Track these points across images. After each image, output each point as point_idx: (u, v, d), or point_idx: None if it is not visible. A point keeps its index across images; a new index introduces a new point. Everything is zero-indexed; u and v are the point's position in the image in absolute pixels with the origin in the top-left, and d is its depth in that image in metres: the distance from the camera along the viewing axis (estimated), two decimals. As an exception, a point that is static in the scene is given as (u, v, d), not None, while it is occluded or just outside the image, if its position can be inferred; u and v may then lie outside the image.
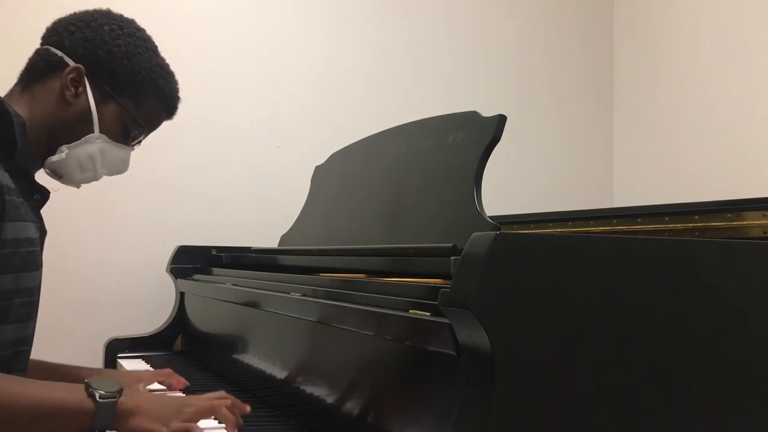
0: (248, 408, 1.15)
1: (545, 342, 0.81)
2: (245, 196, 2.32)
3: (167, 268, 2.06)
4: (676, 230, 1.40)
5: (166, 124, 2.21)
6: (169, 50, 1.26)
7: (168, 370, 1.46)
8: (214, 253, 2.09)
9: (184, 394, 1.36)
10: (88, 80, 1.20)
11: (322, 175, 1.94)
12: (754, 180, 2.29)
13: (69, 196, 2.11)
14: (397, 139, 1.58)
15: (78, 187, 1.30)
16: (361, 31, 2.51)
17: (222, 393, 1.13)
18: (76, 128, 1.21)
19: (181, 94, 1.35)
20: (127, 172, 2.16)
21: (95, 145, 1.22)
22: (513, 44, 2.75)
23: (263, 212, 2.30)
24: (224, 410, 1.08)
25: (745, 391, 0.95)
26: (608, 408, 0.84)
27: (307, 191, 1.96)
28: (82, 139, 1.21)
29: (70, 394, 1.02)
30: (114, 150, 1.25)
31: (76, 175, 1.25)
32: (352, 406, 1.06)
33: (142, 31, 1.28)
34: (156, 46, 1.30)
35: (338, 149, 1.89)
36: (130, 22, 1.27)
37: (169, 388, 1.42)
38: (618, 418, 0.85)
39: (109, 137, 1.23)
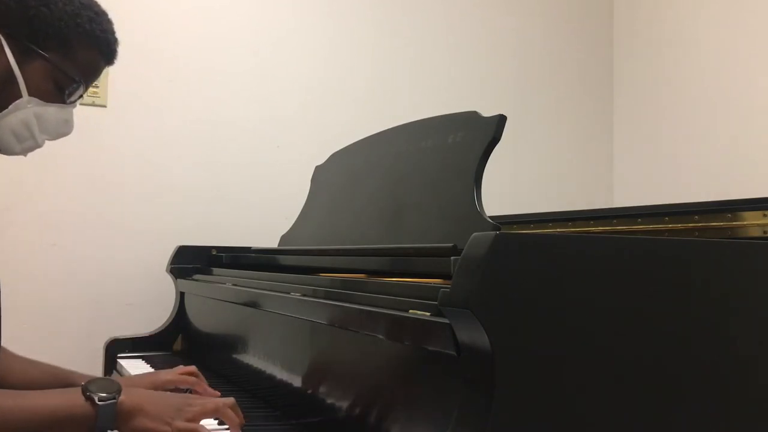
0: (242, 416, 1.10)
1: (545, 342, 0.81)
2: (245, 196, 2.32)
3: (167, 268, 2.06)
4: (676, 230, 1.40)
5: (167, 124, 2.23)
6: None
7: (192, 376, 1.32)
8: (214, 253, 2.08)
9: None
10: (3, 38, 1.04)
11: (322, 175, 1.94)
12: (754, 180, 2.29)
13: (69, 197, 2.12)
14: (397, 139, 1.58)
15: (25, 155, 1.15)
16: (360, 30, 2.51)
17: (231, 399, 1.09)
18: (0, 95, 1.06)
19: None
20: (127, 173, 2.18)
21: (27, 110, 1.07)
22: (513, 44, 2.75)
23: (263, 212, 2.30)
24: (229, 411, 1.06)
25: (745, 391, 0.95)
26: (608, 408, 0.84)
27: (307, 191, 1.96)
28: (11, 106, 1.06)
29: (69, 399, 0.99)
30: (51, 111, 1.10)
31: (14, 146, 1.11)
32: (352, 406, 1.06)
33: None
34: None
35: (338, 149, 1.89)
36: None
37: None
38: (618, 418, 0.85)
39: (41, 99, 1.08)
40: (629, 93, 2.82)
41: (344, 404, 1.08)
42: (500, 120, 1.27)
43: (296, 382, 1.26)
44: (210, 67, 2.30)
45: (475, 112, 1.36)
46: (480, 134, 1.29)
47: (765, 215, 1.28)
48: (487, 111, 1.33)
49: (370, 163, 1.65)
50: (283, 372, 1.32)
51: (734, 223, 1.31)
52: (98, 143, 2.14)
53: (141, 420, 0.99)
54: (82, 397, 0.98)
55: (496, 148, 1.27)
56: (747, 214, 1.30)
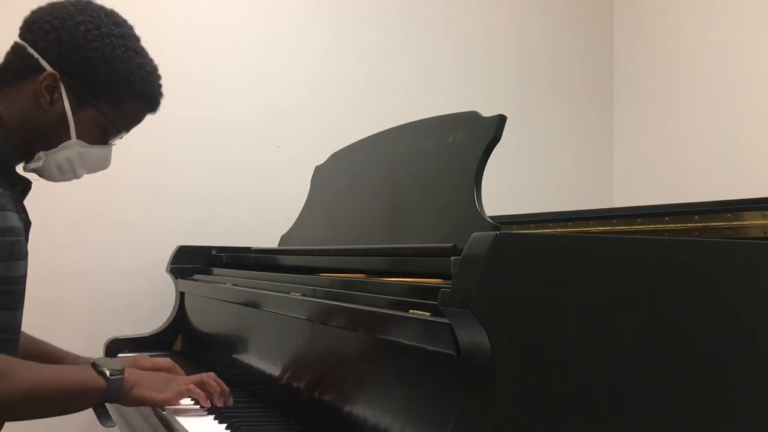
0: (230, 400, 1.27)
1: (545, 342, 0.81)
2: (245, 196, 2.32)
3: (167, 268, 2.06)
4: (676, 230, 1.40)
5: (167, 125, 2.23)
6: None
7: (167, 362, 1.39)
8: (214, 253, 2.08)
9: None
10: (63, 86, 1.16)
11: (322, 175, 1.94)
12: (754, 180, 2.29)
13: (69, 197, 2.11)
14: (397, 139, 1.58)
15: (58, 182, 1.27)
16: (360, 29, 2.51)
17: (212, 374, 1.27)
18: (52, 135, 1.18)
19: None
20: (127, 173, 2.18)
21: (72, 150, 1.20)
22: (513, 44, 2.74)
23: (263, 212, 2.30)
24: (211, 381, 1.24)
25: (746, 391, 0.95)
26: (608, 408, 0.84)
27: (307, 191, 1.96)
28: (60, 146, 1.19)
29: (85, 374, 1.15)
30: (93, 152, 1.22)
31: (56, 177, 1.23)
32: (352, 406, 1.06)
33: (122, 26, 1.21)
34: (136, 42, 1.23)
35: (338, 149, 1.89)
36: (110, 17, 1.20)
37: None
38: (618, 417, 0.85)
39: (86, 141, 1.20)
40: (629, 93, 2.82)
41: (344, 404, 1.08)
42: (500, 120, 1.27)
43: (296, 382, 1.26)
44: (210, 67, 2.30)
45: (475, 112, 1.36)
46: (480, 134, 1.29)
47: (765, 215, 1.28)
48: (488, 111, 1.33)
49: (370, 163, 1.65)
50: (283, 372, 1.32)
51: (734, 223, 1.31)
52: (98, 143, 2.14)
53: (138, 390, 1.17)
54: (95, 372, 1.15)
55: (496, 148, 1.27)
56: (747, 214, 1.30)
